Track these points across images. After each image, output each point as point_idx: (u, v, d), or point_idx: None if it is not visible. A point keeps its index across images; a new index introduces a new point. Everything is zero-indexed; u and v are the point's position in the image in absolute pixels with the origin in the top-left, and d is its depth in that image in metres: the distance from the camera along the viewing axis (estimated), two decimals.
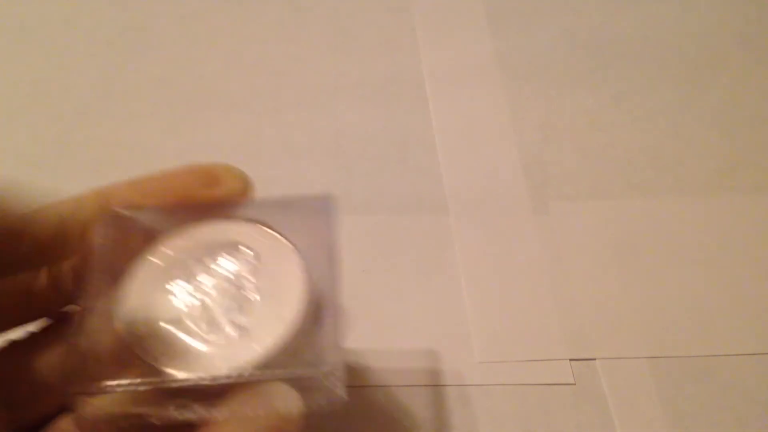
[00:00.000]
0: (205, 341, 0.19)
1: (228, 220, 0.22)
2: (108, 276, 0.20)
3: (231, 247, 0.21)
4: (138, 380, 0.18)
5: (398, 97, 0.38)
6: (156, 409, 0.18)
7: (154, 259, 0.21)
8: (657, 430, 0.27)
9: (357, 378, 0.28)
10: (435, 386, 0.28)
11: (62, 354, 0.20)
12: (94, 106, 0.37)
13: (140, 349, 0.19)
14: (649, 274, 0.32)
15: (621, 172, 0.35)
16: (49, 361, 0.20)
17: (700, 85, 0.39)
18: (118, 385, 0.18)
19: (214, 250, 0.21)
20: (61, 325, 0.21)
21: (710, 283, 0.31)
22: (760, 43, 0.41)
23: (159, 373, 0.19)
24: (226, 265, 0.21)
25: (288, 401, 0.18)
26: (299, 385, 0.18)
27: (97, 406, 0.18)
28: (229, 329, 0.20)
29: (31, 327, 0.21)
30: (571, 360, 0.29)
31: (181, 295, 0.20)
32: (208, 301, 0.20)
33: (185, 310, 0.20)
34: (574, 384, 0.29)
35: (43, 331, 0.21)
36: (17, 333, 0.21)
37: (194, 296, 0.20)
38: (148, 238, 0.21)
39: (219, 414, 0.18)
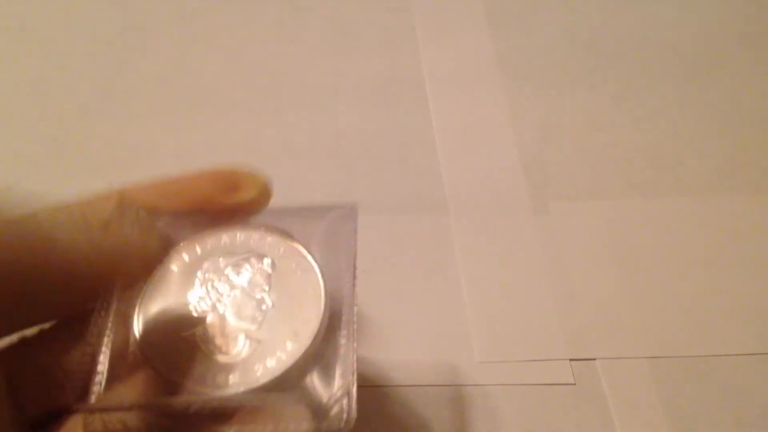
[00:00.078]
0: (218, 354, 0.19)
1: (246, 227, 0.21)
2: (125, 279, 0.20)
3: (248, 257, 0.21)
4: (144, 402, 0.18)
5: (398, 97, 0.38)
6: (164, 423, 0.18)
7: (171, 265, 0.21)
8: (657, 430, 0.27)
9: (356, 378, 0.28)
10: (435, 386, 0.28)
11: (74, 354, 0.20)
12: (94, 106, 0.37)
13: (154, 358, 0.19)
14: (649, 274, 0.32)
15: (621, 172, 0.35)
16: (60, 361, 0.20)
17: (700, 85, 0.39)
18: (125, 405, 0.18)
19: (230, 259, 0.21)
20: (74, 324, 0.21)
21: (710, 283, 0.31)
22: (760, 43, 0.41)
23: (169, 384, 0.18)
24: (243, 275, 0.21)
25: (299, 422, 0.18)
26: (311, 405, 0.18)
27: (104, 420, 0.18)
28: (242, 343, 0.19)
29: (45, 325, 0.21)
30: (571, 360, 0.29)
31: (196, 304, 0.20)
32: (223, 311, 0.20)
33: (200, 320, 0.20)
34: (574, 384, 0.29)
35: (56, 329, 0.21)
36: (29, 330, 0.21)
37: (209, 306, 0.20)
38: (165, 243, 0.21)
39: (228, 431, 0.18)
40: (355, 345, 0.19)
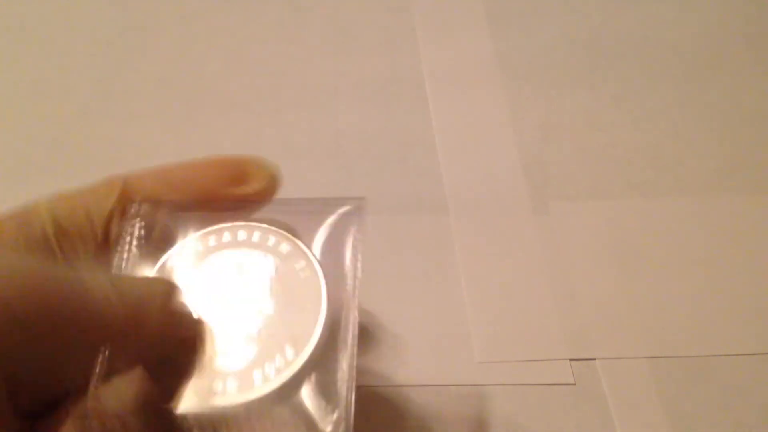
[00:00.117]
0: (216, 360, 0.19)
1: (249, 222, 0.21)
2: (130, 265, 0.20)
3: (250, 256, 0.20)
4: (142, 406, 0.18)
5: (398, 97, 0.38)
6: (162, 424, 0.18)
7: (172, 262, 0.20)
8: (657, 430, 0.27)
9: (356, 378, 0.28)
10: (435, 386, 0.28)
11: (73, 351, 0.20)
12: (94, 106, 0.37)
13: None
14: (649, 274, 0.32)
15: (621, 172, 0.35)
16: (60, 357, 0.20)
17: (700, 85, 0.39)
18: (122, 411, 0.18)
19: (232, 258, 0.20)
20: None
21: (710, 283, 0.31)
22: (760, 43, 0.41)
23: (167, 389, 0.18)
24: (244, 276, 0.20)
25: None
26: (307, 418, 0.18)
27: (102, 419, 0.18)
28: (241, 350, 0.19)
29: None
30: (571, 360, 0.29)
31: (197, 307, 0.19)
32: (222, 314, 0.19)
33: (199, 322, 0.19)
34: (574, 384, 0.29)
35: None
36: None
37: (211, 310, 0.19)
38: (168, 236, 0.21)
39: None
40: (354, 358, 0.19)
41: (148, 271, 0.20)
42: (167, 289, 0.19)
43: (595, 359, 0.29)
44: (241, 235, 0.21)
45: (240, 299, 0.20)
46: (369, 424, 0.27)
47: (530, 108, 0.38)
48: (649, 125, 0.37)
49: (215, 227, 0.21)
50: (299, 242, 0.21)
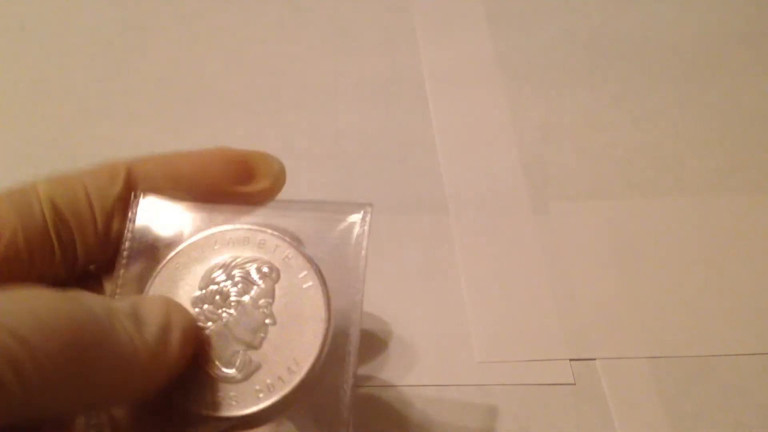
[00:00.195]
0: (216, 371, 0.18)
1: (253, 227, 0.20)
2: (133, 262, 0.20)
3: (253, 264, 0.20)
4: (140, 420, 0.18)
5: (398, 97, 0.38)
6: None
7: (175, 265, 0.20)
8: (657, 430, 0.27)
9: (356, 378, 0.28)
10: (435, 386, 0.28)
11: None
12: (94, 106, 0.37)
13: None
14: (649, 274, 0.32)
15: (621, 172, 0.35)
16: None
17: (700, 85, 0.39)
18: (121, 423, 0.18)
19: (233, 268, 0.20)
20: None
21: (710, 283, 0.31)
22: (760, 43, 0.41)
23: (165, 400, 0.18)
24: (247, 284, 0.20)
25: None
26: None
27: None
28: (241, 361, 0.19)
29: None
30: (571, 360, 0.29)
31: (197, 312, 0.19)
32: (223, 323, 0.19)
33: (201, 330, 0.19)
34: (574, 384, 0.29)
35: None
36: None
37: (209, 316, 0.19)
38: (170, 235, 0.20)
39: None
40: (356, 368, 0.19)
41: (152, 272, 0.20)
42: (184, 321, 0.18)
43: (595, 359, 0.29)
44: (246, 239, 0.20)
45: (241, 309, 0.19)
46: (368, 424, 0.27)
47: (530, 108, 0.38)
48: (649, 125, 0.37)
49: (217, 229, 0.20)
50: (303, 253, 0.20)
